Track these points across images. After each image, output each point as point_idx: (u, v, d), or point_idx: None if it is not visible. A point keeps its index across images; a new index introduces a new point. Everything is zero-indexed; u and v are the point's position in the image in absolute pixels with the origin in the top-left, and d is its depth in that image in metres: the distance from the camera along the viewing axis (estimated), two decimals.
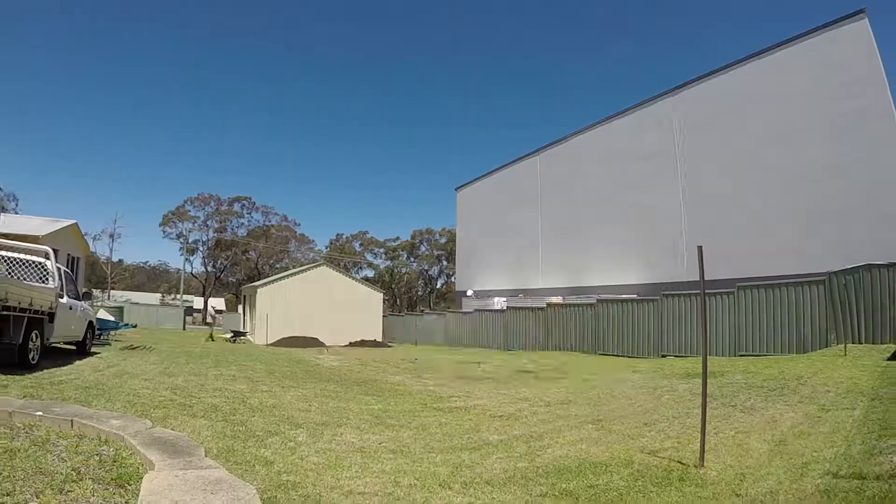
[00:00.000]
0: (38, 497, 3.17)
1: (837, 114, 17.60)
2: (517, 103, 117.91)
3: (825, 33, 18.36)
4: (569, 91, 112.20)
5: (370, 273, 72.85)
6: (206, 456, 4.17)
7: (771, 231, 19.06)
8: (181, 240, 61.80)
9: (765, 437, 5.45)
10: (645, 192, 24.22)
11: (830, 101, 17.85)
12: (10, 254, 9.62)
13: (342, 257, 67.65)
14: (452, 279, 61.76)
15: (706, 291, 4.91)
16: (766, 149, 19.62)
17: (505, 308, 25.59)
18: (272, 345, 25.07)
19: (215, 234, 67.04)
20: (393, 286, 68.91)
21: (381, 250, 75.87)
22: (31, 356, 8.30)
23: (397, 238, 75.81)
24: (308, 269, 32.09)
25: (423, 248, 74.21)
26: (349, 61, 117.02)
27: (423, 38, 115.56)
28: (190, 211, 66.68)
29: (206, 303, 61.82)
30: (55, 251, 10.99)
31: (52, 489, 3.29)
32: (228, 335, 27.32)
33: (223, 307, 68.30)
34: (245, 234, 68.39)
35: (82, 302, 11.73)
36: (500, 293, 32.57)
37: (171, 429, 5.01)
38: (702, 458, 4.59)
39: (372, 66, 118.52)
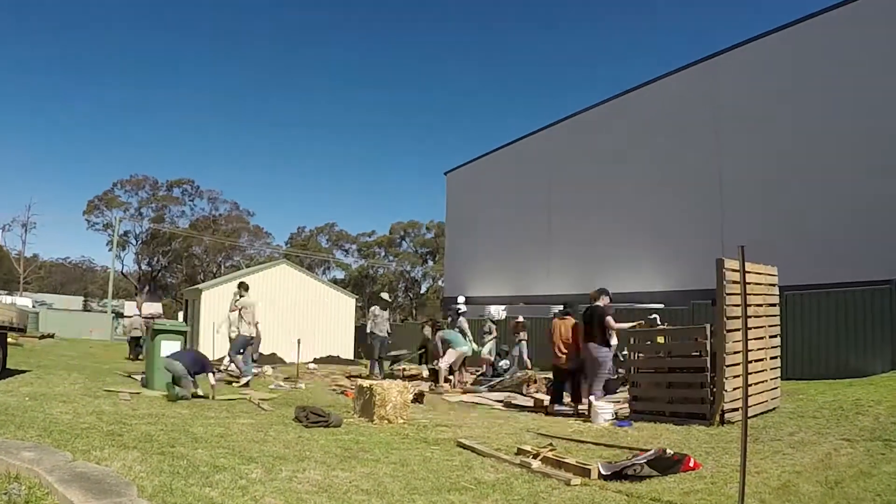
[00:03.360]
0: None
1: None
2: (522, 73, 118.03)
3: None
4: (581, 65, 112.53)
5: (340, 274, 72.83)
6: (139, 496, 4.15)
7: (824, 229, 19.13)
8: (109, 231, 61.36)
9: (817, 478, 5.49)
10: (674, 182, 24.29)
11: None
12: None
13: (306, 254, 67.50)
14: (440, 282, 61.87)
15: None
16: (819, 130, 19.67)
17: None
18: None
19: (151, 226, 66.62)
20: (367, 290, 68.85)
21: (354, 246, 75.82)
22: None
23: (373, 232, 75.80)
24: (264, 268, 31.90)
25: (405, 245, 74.24)
26: (313, 19, 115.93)
27: None
28: (120, 196, 66.40)
29: (140, 307, 61.49)
30: None
31: None
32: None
33: (160, 312, 67.97)
34: (187, 226, 67.98)
35: None
36: (496, 300, 32.53)
37: (97, 462, 4.97)
38: (741, 503, 4.61)
39: (343, 23, 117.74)
